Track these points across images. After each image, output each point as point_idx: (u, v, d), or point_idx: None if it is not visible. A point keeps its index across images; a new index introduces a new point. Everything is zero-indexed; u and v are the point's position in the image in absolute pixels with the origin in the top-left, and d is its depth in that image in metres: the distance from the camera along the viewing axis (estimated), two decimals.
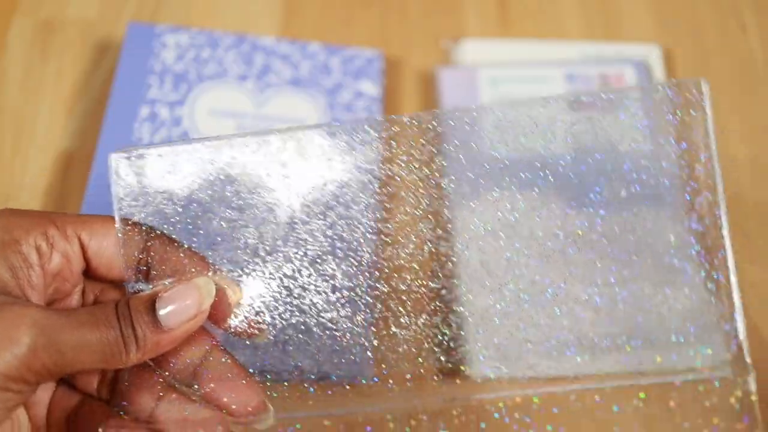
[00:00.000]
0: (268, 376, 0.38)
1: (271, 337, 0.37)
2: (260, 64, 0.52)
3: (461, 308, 0.42)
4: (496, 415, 0.42)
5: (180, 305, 0.32)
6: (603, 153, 0.49)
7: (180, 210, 0.36)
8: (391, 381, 0.41)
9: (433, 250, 0.41)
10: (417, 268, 0.40)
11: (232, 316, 0.35)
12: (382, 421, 0.40)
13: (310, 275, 0.38)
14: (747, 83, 0.55)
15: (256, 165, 0.37)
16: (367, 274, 0.40)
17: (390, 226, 0.40)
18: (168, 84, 0.51)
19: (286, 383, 0.39)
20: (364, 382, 0.42)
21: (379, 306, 0.41)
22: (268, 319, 0.36)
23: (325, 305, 0.40)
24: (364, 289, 0.40)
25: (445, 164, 0.40)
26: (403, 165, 0.39)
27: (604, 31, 0.57)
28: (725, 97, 0.54)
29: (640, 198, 0.49)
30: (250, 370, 0.36)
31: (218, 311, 0.34)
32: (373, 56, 0.54)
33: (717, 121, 0.39)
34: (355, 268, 0.40)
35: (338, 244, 0.39)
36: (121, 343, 0.31)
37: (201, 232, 0.36)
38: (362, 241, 0.39)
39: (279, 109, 0.52)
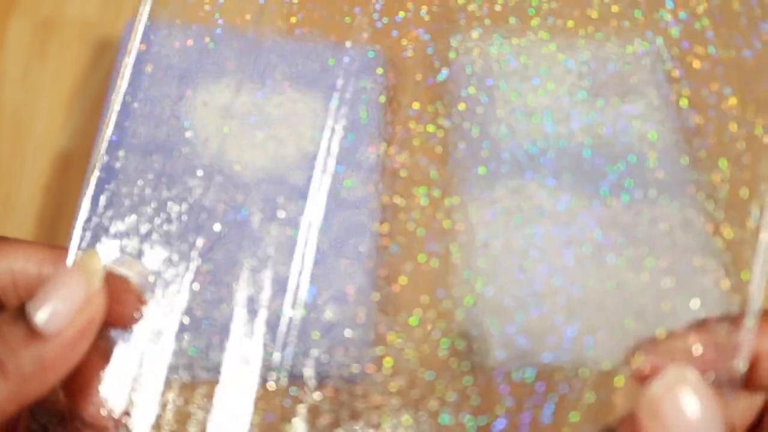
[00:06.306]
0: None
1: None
2: (260, 64, 0.52)
3: (475, 295, 0.42)
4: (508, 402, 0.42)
5: (60, 297, 0.23)
6: (618, 142, 0.49)
7: None
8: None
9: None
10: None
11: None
12: None
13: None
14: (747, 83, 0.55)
15: None
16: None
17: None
18: (167, 83, 0.51)
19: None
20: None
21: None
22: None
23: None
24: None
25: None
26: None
27: (604, 30, 0.57)
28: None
29: (658, 187, 0.48)
30: None
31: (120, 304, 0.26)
32: (373, 56, 0.54)
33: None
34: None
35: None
36: None
37: None
38: None
39: (279, 108, 0.51)
